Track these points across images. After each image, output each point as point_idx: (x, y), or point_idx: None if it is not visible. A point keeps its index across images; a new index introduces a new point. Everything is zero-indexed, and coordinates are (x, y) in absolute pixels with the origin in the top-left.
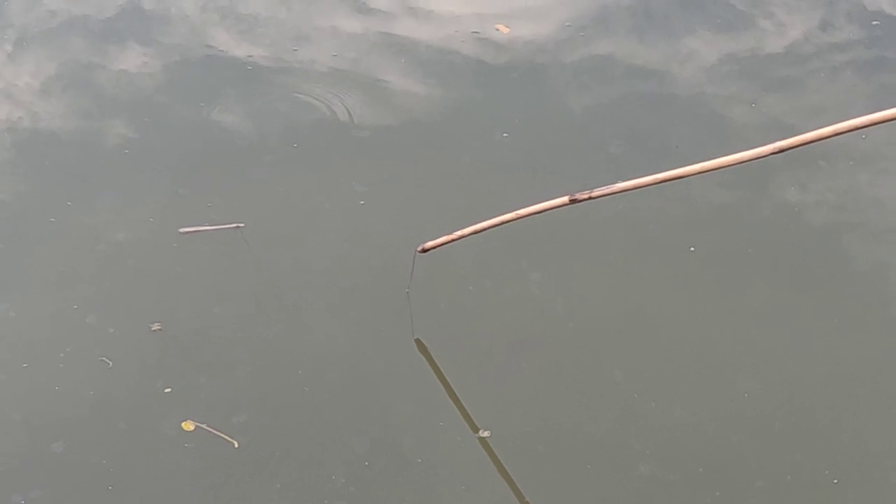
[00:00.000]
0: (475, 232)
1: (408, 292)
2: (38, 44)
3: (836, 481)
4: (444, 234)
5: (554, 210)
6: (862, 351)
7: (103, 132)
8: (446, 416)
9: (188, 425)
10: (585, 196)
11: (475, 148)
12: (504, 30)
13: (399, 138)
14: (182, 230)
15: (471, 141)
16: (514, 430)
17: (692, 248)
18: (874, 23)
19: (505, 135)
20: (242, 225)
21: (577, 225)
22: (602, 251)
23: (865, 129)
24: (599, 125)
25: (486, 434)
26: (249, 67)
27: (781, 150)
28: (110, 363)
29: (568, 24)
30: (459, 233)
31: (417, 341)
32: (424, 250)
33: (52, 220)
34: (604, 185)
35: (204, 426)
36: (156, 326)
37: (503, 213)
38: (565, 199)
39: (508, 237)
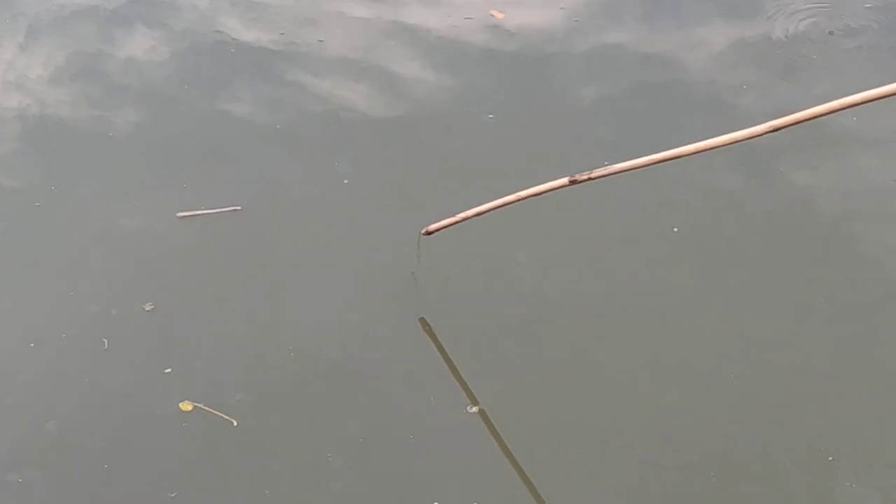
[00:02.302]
0: (478, 214)
1: (413, 273)
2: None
3: (831, 458)
4: (448, 217)
5: (552, 193)
6: (852, 331)
7: (109, 119)
8: (437, 393)
9: (186, 405)
10: (585, 177)
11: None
12: (498, 15)
13: (396, 123)
14: (180, 214)
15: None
16: (506, 409)
17: (675, 229)
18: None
19: (490, 116)
20: (240, 208)
21: (573, 209)
22: (597, 235)
23: (859, 106)
24: (595, 110)
25: (474, 410)
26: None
27: (776, 129)
28: (106, 343)
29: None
30: (462, 215)
31: (421, 321)
32: (429, 232)
33: (51, 206)
34: (602, 167)
35: (202, 406)
36: (148, 306)
37: (503, 196)
38: (565, 180)
39: (506, 221)
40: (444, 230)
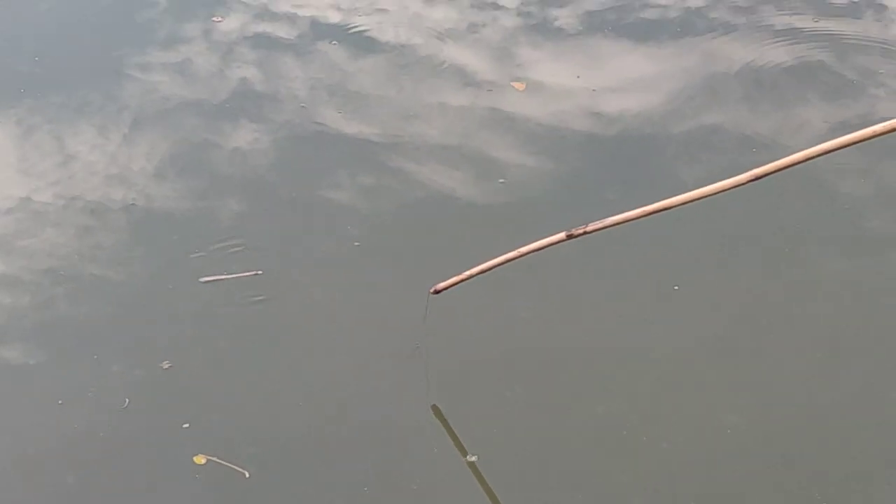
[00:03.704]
0: (483, 271)
1: (419, 344)
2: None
3: None
4: (454, 276)
5: (550, 250)
6: (847, 380)
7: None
8: (438, 443)
9: (200, 459)
10: (581, 231)
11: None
12: (519, 86)
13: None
14: (203, 279)
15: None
16: (504, 458)
17: (676, 287)
18: None
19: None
20: (261, 272)
21: (571, 265)
22: (595, 291)
23: (835, 152)
24: None
25: (473, 458)
26: None
27: (758, 178)
28: (127, 401)
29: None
30: (468, 273)
31: (425, 378)
32: (437, 291)
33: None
34: (597, 220)
35: (215, 459)
36: (166, 365)
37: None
38: (562, 235)
39: (509, 280)
40: (451, 288)
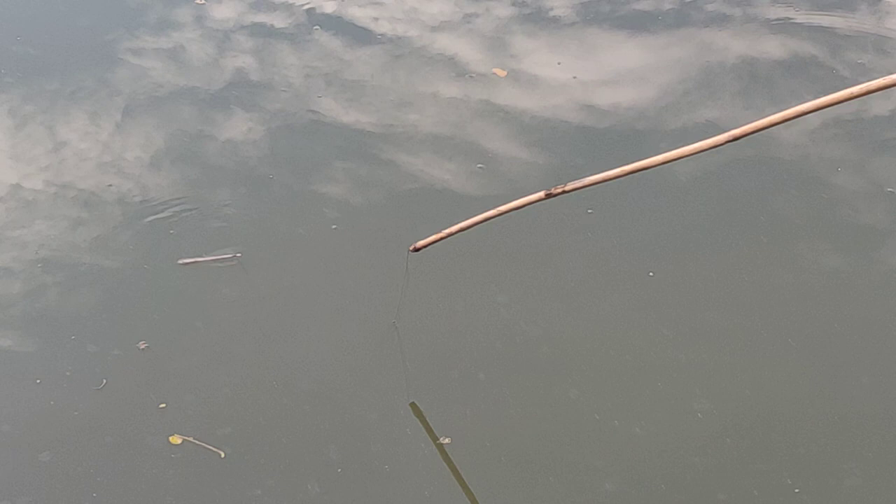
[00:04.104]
0: (462, 229)
1: (400, 292)
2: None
3: (797, 490)
4: (434, 234)
5: (526, 237)
6: (819, 369)
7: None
8: (412, 425)
9: (175, 439)
10: (559, 190)
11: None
12: (500, 73)
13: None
14: (181, 261)
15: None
16: (476, 441)
17: (651, 273)
18: None
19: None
20: (240, 255)
21: (547, 249)
22: (568, 276)
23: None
24: (689, 187)
25: (446, 441)
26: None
27: (735, 138)
28: (104, 381)
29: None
30: (447, 231)
31: (400, 358)
32: (416, 249)
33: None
34: (576, 179)
35: (191, 439)
36: (142, 345)
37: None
38: (541, 193)
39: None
40: (431, 246)
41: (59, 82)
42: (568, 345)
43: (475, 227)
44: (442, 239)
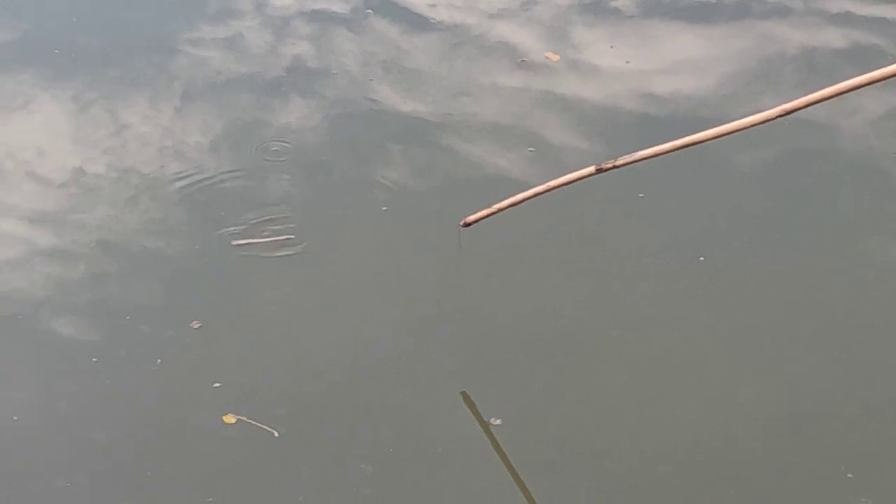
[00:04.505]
0: (512, 205)
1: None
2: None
3: (850, 476)
4: (484, 209)
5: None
6: (869, 354)
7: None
8: (462, 407)
9: (229, 418)
10: (610, 165)
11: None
12: (553, 57)
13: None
14: (235, 243)
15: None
16: (525, 423)
17: (701, 258)
18: None
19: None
20: (293, 237)
21: (596, 233)
22: (618, 260)
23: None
24: (750, 178)
25: (496, 422)
26: None
27: (788, 112)
28: (159, 361)
29: None
30: (497, 206)
31: (451, 345)
32: (467, 224)
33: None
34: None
35: (244, 418)
36: (196, 325)
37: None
38: (591, 168)
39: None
40: (481, 223)
41: (121, 70)
42: (617, 329)
43: (526, 202)
44: (492, 214)
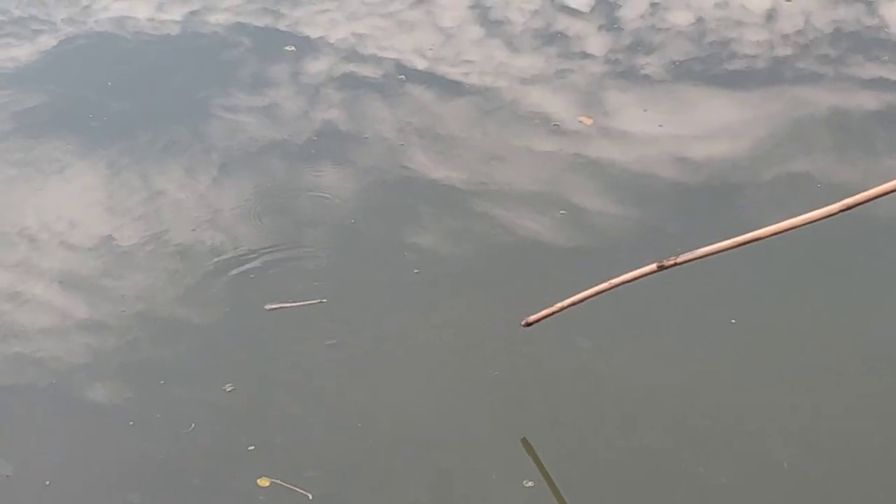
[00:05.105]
0: (573, 303)
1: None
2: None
3: None
4: (545, 308)
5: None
6: None
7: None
8: (497, 468)
9: (263, 481)
10: (672, 262)
11: None
12: (587, 121)
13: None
14: (268, 307)
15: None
16: (560, 485)
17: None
18: None
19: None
20: (325, 300)
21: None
22: (656, 327)
23: None
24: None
25: (529, 484)
26: None
27: (848, 208)
28: (192, 424)
29: None
30: (559, 305)
31: (487, 403)
32: (528, 324)
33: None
34: (688, 252)
35: (279, 481)
36: (229, 388)
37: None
38: (653, 266)
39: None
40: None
41: (154, 135)
42: (651, 392)
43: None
44: (554, 313)
